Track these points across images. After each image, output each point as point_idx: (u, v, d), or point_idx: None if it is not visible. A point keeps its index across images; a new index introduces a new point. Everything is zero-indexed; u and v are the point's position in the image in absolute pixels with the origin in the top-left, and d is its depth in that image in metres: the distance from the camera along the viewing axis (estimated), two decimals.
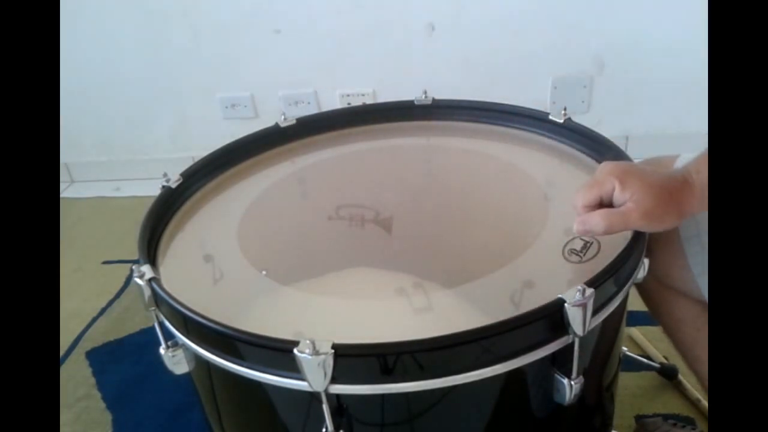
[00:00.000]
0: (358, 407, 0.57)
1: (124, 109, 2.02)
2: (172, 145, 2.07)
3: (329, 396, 0.54)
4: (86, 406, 1.22)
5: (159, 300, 0.63)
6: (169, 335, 0.65)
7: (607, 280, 0.58)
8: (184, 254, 0.76)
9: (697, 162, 0.62)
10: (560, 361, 0.59)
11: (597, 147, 0.83)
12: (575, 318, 0.54)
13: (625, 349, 1.08)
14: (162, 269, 0.72)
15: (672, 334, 0.87)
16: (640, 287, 0.85)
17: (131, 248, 0.70)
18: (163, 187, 0.81)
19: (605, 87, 1.81)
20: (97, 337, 1.40)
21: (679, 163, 0.71)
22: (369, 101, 1.87)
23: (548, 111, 0.90)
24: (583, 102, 1.83)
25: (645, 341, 1.19)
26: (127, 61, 1.93)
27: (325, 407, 0.54)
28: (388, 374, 0.53)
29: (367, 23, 1.78)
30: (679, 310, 0.83)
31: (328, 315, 0.64)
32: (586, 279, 0.56)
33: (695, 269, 0.75)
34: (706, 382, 0.86)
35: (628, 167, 0.63)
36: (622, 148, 0.78)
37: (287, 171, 0.92)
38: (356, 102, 1.88)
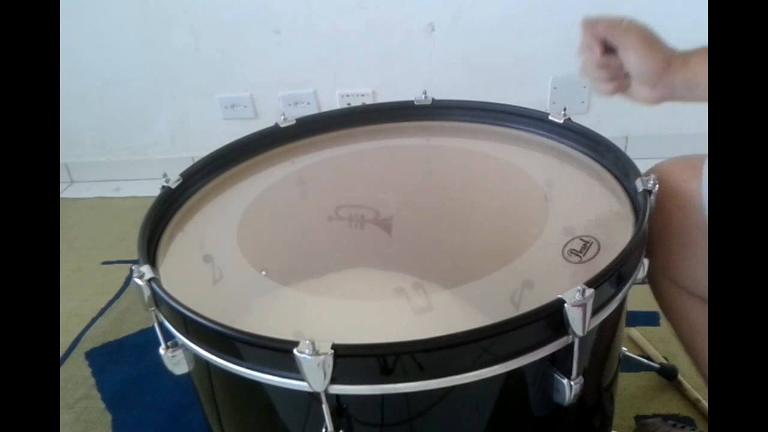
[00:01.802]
0: (358, 407, 0.57)
1: (123, 109, 2.02)
2: (172, 145, 2.07)
3: (329, 396, 0.54)
4: (86, 406, 1.22)
5: (159, 300, 0.63)
6: (168, 335, 0.65)
7: (607, 280, 0.58)
8: (183, 254, 0.76)
9: (687, 53, 0.64)
10: (560, 362, 0.59)
11: (597, 147, 0.83)
12: (575, 318, 0.54)
13: (624, 349, 1.08)
14: (162, 269, 0.72)
15: (687, 341, 0.85)
16: (657, 293, 0.84)
17: (131, 248, 0.70)
18: (163, 187, 0.81)
19: None
20: (96, 338, 1.40)
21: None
22: (369, 101, 1.87)
23: (548, 111, 0.90)
24: (582, 102, 1.83)
25: (645, 341, 1.19)
26: (127, 61, 1.93)
27: (325, 407, 0.54)
28: (387, 374, 0.53)
29: (367, 23, 1.78)
30: (697, 319, 0.81)
31: (328, 315, 0.64)
32: (586, 279, 0.56)
33: None
34: None
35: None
36: (622, 148, 0.78)
37: (287, 171, 0.92)
38: (356, 102, 1.88)
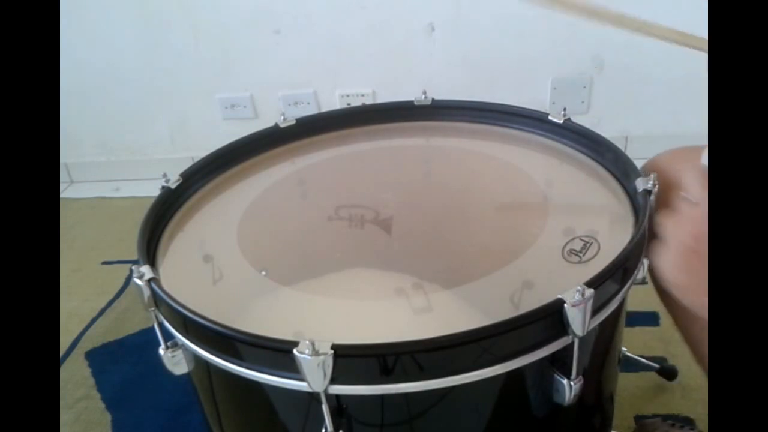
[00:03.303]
0: (358, 408, 0.57)
1: (123, 109, 2.02)
2: (172, 145, 2.08)
3: (329, 396, 0.54)
4: (86, 406, 1.22)
5: (158, 300, 0.63)
6: (168, 335, 0.65)
7: (607, 280, 0.58)
8: (183, 254, 0.76)
9: None
10: (560, 362, 0.59)
11: (596, 147, 0.83)
12: (575, 318, 0.54)
13: (624, 349, 1.08)
14: (161, 269, 0.72)
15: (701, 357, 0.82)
16: (668, 304, 0.79)
17: (131, 248, 0.70)
18: (163, 187, 0.81)
19: (605, 87, 1.81)
20: (96, 338, 1.40)
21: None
22: (369, 101, 1.87)
23: (548, 111, 0.89)
24: (582, 102, 1.83)
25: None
26: (126, 61, 1.93)
27: (325, 408, 0.54)
28: (387, 375, 0.53)
29: (367, 23, 1.78)
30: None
31: (328, 315, 0.64)
32: (586, 279, 0.56)
33: None
34: None
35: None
36: (622, 148, 0.78)
37: (287, 171, 0.92)
38: (356, 102, 1.88)
